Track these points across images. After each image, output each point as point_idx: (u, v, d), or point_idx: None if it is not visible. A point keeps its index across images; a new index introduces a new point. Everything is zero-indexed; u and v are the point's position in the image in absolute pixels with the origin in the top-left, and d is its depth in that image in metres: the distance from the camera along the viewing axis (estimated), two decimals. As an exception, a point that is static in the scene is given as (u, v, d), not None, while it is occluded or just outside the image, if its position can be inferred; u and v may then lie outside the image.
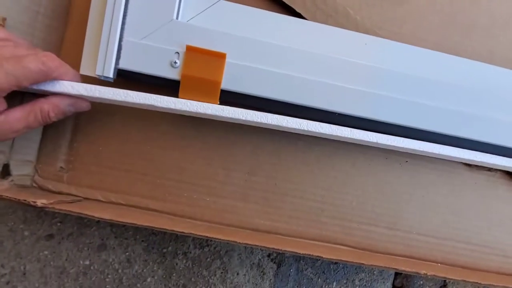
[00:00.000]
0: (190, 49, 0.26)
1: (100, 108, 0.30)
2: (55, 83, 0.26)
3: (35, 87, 0.26)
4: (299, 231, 0.33)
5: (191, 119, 0.32)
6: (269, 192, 0.33)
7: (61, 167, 0.31)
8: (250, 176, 0.33)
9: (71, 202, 0.28)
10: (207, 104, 0.27)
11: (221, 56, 0.27)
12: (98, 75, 0.26)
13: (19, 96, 0.28)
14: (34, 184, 0.30)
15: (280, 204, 0.33)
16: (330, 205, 0.34)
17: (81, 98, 0.27)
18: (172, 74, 0.27)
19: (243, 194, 0.33)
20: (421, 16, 0.35)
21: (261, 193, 0.33)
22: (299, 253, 0.28)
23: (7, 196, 0.24)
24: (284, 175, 0.33)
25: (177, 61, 0.26)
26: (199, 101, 0.27)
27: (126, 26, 0.26)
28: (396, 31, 0.35)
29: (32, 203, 0.23)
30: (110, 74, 0.26)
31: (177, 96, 0.28)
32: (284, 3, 0.32)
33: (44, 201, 0.24)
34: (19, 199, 0.24)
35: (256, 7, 0.31)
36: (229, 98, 0.28)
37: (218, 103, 0.28)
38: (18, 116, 0.25)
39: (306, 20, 0.31)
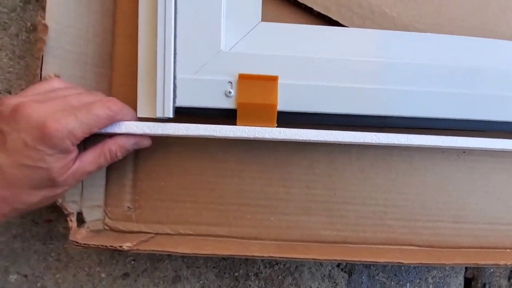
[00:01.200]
0: (242, 77, 0.26)
1: (156, 144, 0.30)
2: (120, 125, 0.26)
3: (103, 131, 0.26)
4: (367, 237, 0.32)
5: (245, 142, 0.31)
6: (330, 202, 0.32)
7: (128, 207, 0.31)
8: (309, 189, 0.32)
9: (147, 241, 0.28)
10: (265, 128, 0.27)
11: (273, 79, 0.26)
12: (158, 117, 0.26)
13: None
14: (106, 227, 0.31)
15: (343, 213, 0.32)
16: (393, 207, 0.33)
17: (143, 136, 0.28)
18: (228, 103, 0.27)
19: (305, 208, 0.32)
20: (457, 3, 0.34)
21: (322, 205, 0.32)
22: (379, 262, 0.27)
23: (93, 244, 0.25)
24: (342, 184, 0.32)
25: (231, 90, 0.26)
26: (256, 126, 0.27)
27: (177, 64, 0.26)
28: (434, 23, 0.34)
29: (119, 248, 0.24)
30: (171, 114, 0.26)
31: (234, 124, 0.28)
32: (320, 13, 0.31)
33: (128, 244, 0.24)
34: (105, 246, 0.25)
35: (294, 23, 0.30)
36: (286, 118, 0.28)
37: (276, 125, 0.27)
38: (91, 159, 0.26)
39: (345, 27, 0.30)
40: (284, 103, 0.27)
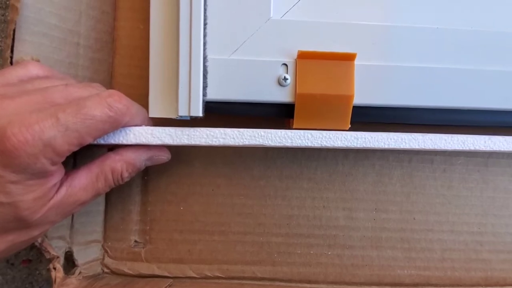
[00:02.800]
0: (303, 56, 0.18)
1: (173, 155, 0.21)
2: (127, 131, 0.18)
3: (102, 141, 0.18)
4: (457, 277, 0.24)
5: (291, 153, 0.23)
6: (407, 230, 0.24)
7: (135, 241, 0.23)
8: (378, 213, 0.24)
9: None
10: (336, 133, 0.18)
11: (349, 58, 0.18)
12: (180, 116, 0.18)
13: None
14: (106, 270, 0.22)
15: (424, 245, 0.24)
16: (491, 235, 0.25)
17: (161, 148, 0.19)
18: (282, 95, 0.18)
19: (374, 238, 0.24)
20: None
21: (397, 234, 0.24)
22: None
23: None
24: (422, 205, 0.24)
25: (286, 76, 0.18)
26: (322, 128, 0.19)
27: (208, 40, 0.18)
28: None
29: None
30: (200, 111, 0.17)
31: (286, 125, 0.20)
32: None
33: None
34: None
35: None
36: (360, 116, 0.20)
37: (349, 126, 0.19)
38: (85, 184, 0.17)
39: None
40: (360, 94, 0.18)
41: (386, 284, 0.24)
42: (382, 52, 0.18)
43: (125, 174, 0.19)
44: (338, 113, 0.18)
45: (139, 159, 0.19)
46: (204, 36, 0.18)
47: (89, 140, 0.16)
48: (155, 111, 0.19)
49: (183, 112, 0.17)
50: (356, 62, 0.18)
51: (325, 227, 0.24)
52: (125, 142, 0.18)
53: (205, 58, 0.18)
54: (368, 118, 0.19)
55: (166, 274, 0.23)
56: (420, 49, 0.19)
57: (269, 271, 0.23)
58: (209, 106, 0.19)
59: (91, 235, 0.22)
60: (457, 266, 0.24)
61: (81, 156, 0.22)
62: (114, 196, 0.23)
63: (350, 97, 0.18)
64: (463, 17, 0.19)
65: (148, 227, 0.23)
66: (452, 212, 0.24)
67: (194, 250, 0.23)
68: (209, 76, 0.18)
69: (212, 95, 0.18)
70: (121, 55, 0.23)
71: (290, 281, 0.23)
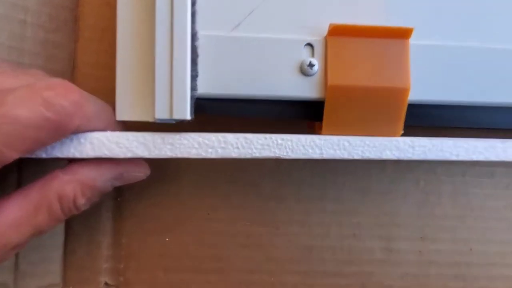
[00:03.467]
0: (336, 32, 0.12)
1: (155, 172, 0.16)
2: (82, 141, 0.12)
3: (44, 155, 0.13)
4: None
5: (310, 165, 0.18)
6: (462, 265, 0.19)
7: (106, 283, 0.18)
8: (425, 243, 0.19)
9: None
10: (384, 140, 0.13)
11: (402, 35, 0.13)
12: (160, 120, 0.12)
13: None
14: (67, 324, 0.18)
15: (484, 284, 0.19)
16: None
17: (135, 161, 0.14)
18: (306, 89, 0.12)
19: (419, 276, 0.18)
20: None
21: (449, 270, 0.19)
22: None
23: None
24: (481, 232, 0.19)
25: (313, 61, 0.13)
26: (362, 135, 0.14)
27: (198, 11, 0.12)
28: None
29: None
30: (187, 112, 0.11)
31: (310, 130, 0.14)
32: None
33: None
34: None
35: None
36: (416, 118, 0.14)
37: (402, 132, 0.14)
38: (16, 217, 0.12)
39: None
40: (417, 87, 0.13)
41: None
42: (449, 26, 0.13)
43: (81, 201, 0.13)
44: (387, 114, 0.13)
45: (102, 178, 0.13)
46: (193, 4, 0.13)
47: (12, 155, 0.11)
48: (124, 112, 0.13)
49: (161, 114, 0.11)
50: (413, 41, 0.13)
51: (357, 262, 0.19)
52: (78, 155, 0.12)
53: (194, 35, 0.12)
54: (428, 120, 0.14)
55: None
56: (507, 24, 0.13)
57: (282, 321, 0.18)
58: (200, 104, 0.13)
59: (44, 278, 0.17)
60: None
61: (28, 173, 0.17)
62: (76, 223, 0.17)
63: (405, 91, 0.13)
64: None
65: (122, 265, 0.18)
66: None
67: None
68: (200, 61, 0.13)
69: (205, 89, 0.13)
70: (86, 38, 0.18)
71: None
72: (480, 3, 0.13)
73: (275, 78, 0.12)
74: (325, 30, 0.13)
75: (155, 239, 0.18)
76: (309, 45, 0.13)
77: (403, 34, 0.12)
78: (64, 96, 0.11)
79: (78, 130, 0.12)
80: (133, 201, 0.18)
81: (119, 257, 0.18)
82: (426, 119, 0.13)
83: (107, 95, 0.16)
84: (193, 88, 0.12)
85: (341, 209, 0.19)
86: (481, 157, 0.13)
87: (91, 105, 0.12)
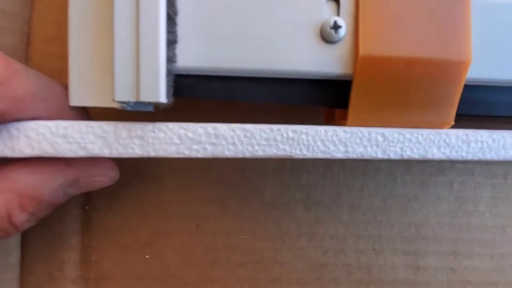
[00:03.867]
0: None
1: (132, 169, 0.13)
2: (14, 132, 0.08)
3: None
4: None
5: (320, 165, 0.14)
6: (501, 284, 0.16)
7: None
8: (458, 259, 0.15)
9: None
10: (430, 132, 0.09)
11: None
12: (121, 103, 0.08)
13: None
14: None
15: None
16: None
17: (96, 161, 0.10)
18: (328, 60, 0.09)
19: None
20: None
21: None
22: None
23: None
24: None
25: (338, 21, 0.10)
26: (399, 125, 0.11)
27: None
28: None
29: None
30: (161, 94, 0.08)
31: (330, 119, 0.11)
32: None
33: None
34: None
35: None
36: (471, 104, 0.11)
37: (453, 123, 0.11)
38: None
39: None
40: (481, 61, 0.09)
41: None
42: None
43: (20, 217, 0.09)
44: (437, 97, 0.10)
45: (48, 186, 0.09)
46: None
47: None
48: (79, 96, 0.09)
49: (123, 95, 0.08)
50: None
51: (377, 283, 0.16)
52: (9, 154, 0.09)
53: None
54: (489, 108, 0.10)
55: None
56: None
57: None
58: (182, 83, 0.10)
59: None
60: None
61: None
62: (35, 237, 0.14)
63: (463, 64, 0.09)
64: None
65: (93, 286, 0.15)
66: None
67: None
68: (181, 20, 0.09)
69: (188, 62, 0.09)
70: (46, 6, 0.15)
71: None
72: None
73: (285, 46, 0.09)
74: (354, -19, 0.09)
75: (132, 256, 0.14)
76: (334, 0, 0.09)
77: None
78: None
79: (5, 117, 0.08)
80: (105, 210, 0.15)
81: (88, 279, 0.14)
82: (486, 106, 0.10)
83: (67, 74, 0.13)
84: (170, 58, 0.09)
85: (358, 219, 0.15)
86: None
87: (27, 82, 0.09)
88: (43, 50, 0.14)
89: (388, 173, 0.15)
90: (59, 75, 0.14)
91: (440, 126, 0.10)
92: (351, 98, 0.09)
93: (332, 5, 0.09)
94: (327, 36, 0.09)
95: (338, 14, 0.09)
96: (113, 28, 0.08)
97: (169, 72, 0.08)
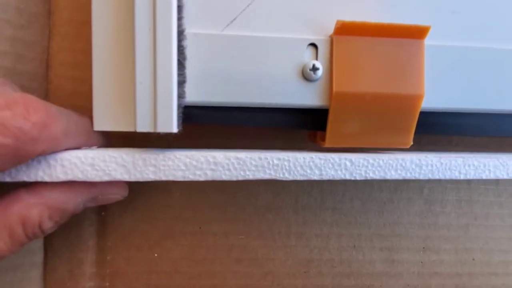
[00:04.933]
0: (345, 30, 0.10)
1: (139, 185, 0.14)
2: (51, 162, 0.10)
3: (8, 178, 0.11)
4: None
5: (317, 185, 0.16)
6: (464, 276, 0.18)
7: (89, 304, 0.17)
8: (427, 254, 0.17)
9: None
10: (389, 158, 0.11)
11: (417, 34, 0.11)
12: (141, 131, 0.10)
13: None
14: None
15: None
16: None
17: (111, 183, 0.12)
18: (308, 95, 0.11)
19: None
20: None
21: (451, 281, 0.18)
22: None
23: None
24: (484, 242, 0.17)
25: (316, 64, 0.12)
26: (370, 147, 0.13)
27: (185, 5, 0.11)
28: None
29: None
30: (173, 125, 0.10)
31: (312, 140, 0.13)
32: None
33: None
34: None
35: None
36: (427, 127, 0.13)
37: (411, 143, 0.13)
38: None
39: None
40: (432, 93, 0.11)
41: None
42: (467, 26, 0.12)
43: (47, 225, 0.11)
44: (397, 123, 0.11)
45: (73, 201, 0.11)
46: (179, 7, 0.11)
47: None
48: (102, 122, 0.11)
49: (144, 126, 0.10)
50: (428, 41, 0.12)
51: (357, 275, 0.17)
52: (48, 179, 0.10)
53: (180, 33, 0.11)
54: (439, 129, 0.12)
55: None
56: None
57: None
58: (189, 112, 0.11)
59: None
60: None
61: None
62: (57, 239, 0.15)
63: (418, 98, 0.11)
64: None
65: (107, 284, 0.16)
66: None
67: None
68: (188, 64, 0.11)
69: (194, 97, 0.11)
70: (62, 35, 0.16)
71: None
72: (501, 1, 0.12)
73: (273, 83, 0.11)
74: (331, 28, 0.11)
75: (142, 255, 0.16)
76: (313, 45, 0.11)
77: (418, 33, 0.11)
78: (25, 116, 0.09)
79: (45, 153, 0.10)
80: (118, 215, 0.16)
81: (104, 276, 0.16)
82: (438, 128, 0.12)
83: (87, 98, 0.14)
84: (181, 95, 0.10)
85: (340, 220, 0.17)
86: (491, 176, 0.12)
87: (61, 123, 0.10)
88: (61, 74, 0.16)
89: (367, 181, 0.17)
90: (75, 95, 0.16)
91: (401, 145, 0.12)
92: (328, 123, 0.11)
93: (312, 50, 0.11)
94: (307, 75, 0.11)
95: (316, 58, 0.11)
96: (135, 73, 0.10)
97: (179, 107, 0.10)
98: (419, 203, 0.18)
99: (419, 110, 0.11)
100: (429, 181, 0.17)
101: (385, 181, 0.17)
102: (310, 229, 0.17)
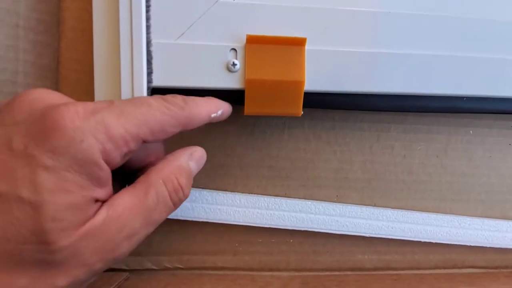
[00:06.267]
0: (252, 40, 0.17)
1: None
2: None
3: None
4: (416, 260, 0.25)
5: (250, 142, 0.23)
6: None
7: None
8: (340, 200, 0.25)
9: (119, 285, 0.20)
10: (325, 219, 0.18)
11: (299, 43, 0.18)
12: None
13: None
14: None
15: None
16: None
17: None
18: (231, 81, 0.18)
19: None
20: None
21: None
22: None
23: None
24: (383, 192, 0.25)
25: (235, 61, 0.18)
26: (274, 113, 0.19)
27: (152, 23, 0.17)
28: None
29: None
30: None
31: (239, 111, 0.19)
32: None
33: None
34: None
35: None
36: (314, 103, 0.20)
37: (302, 113, 0.19)
38: (130, 201, 0.13)
39: None
40: (312, 80, 0.18)
41: (347, 269, 0.25)
42: (334, 37, 0.18)
43: (183, 182, 0.15)
44: (289, 99, 0.18)
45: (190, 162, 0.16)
46: (148, 19, 0.17)
47: (147, 135, 0.13)
48: (100, 99, 0.18)
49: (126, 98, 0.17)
50: (308, 47, 0.18)
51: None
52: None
53: (148, 42, 0.17)
54: (322, 105, 0.19)
55: (123, 267, 0.23)
56: (372, 34, 0.18)
57: (230, 261, 0.24)
58: (155, 93, 0.18)
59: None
60: (417, 250, 0.25)
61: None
62: None
63: (301, 83, 0.18)
64: (416, 2, 0.19)
65: None
66: (412, 197, 0.25)
67: (152, 241, 0.23)
68: (154, 61, 0.17)
69: (158, 82, 0.17)
70: (68, 39, 0.22)
71: (251, 269, 0.24)
72: (355, 19, 0.18)
73: (209, 73, 0.17)
74: (245, 39, 0.18)
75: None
76: (234, 49, 0.17)
77: (299, 42, 0.17)
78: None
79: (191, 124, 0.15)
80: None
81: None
82: (321, 104, 0.18)
83: (86, 85, 0.21)
84: (149, 81, 0.17)
85: (274, 174, 0.24)
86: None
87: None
88: (70, 67, 0.22)
89: (295, 144, 0.24)
90: (80, 84, 0.22)
91: (295, 115, 0.18)
92: (245, 100, 0.18)
93: (233, 52, 0.17)
94: (230, 68, 0.17)
95: (236, 58, 0.17)
96: (120, 68, 0.16)
97: (148, 88, 0.17)
98: (334, 163, 0.24)
99: (303, 91, 0.18)
100: (340, 145, 0.24)
101: (308, 144, 0.24)
102: (252, 182, 0.24)
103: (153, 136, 0.13)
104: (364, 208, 0.23)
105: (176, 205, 0.15)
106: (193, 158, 0.16)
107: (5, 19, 0.20)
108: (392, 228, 0.22)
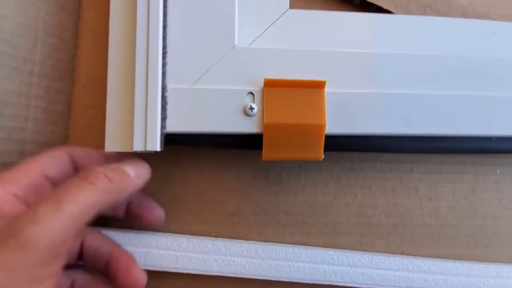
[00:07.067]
0: (270, 84, 0.17)
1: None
2: None
3: None
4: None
5: (264, 186, 0.22)
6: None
7: None
8: (364, 248, 0.23)
9: None
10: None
11: (318, 86, 0.18)
12: (136, 151, 0.17)
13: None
14: None
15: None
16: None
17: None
18: (248, 126, 0.17)
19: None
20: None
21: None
22: None
23: None
24: (410, 237, 0.23)
25: (253, 105, 0.18)
26: (293, 159, 0.18)
27: (167, 69, 0.18)
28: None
29: None
30: (157, 145, 0.16)
31: (257, 155, 0.19)
32: (364, 2, 0.24)
33: None
34: None
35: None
36: (334, 146, 0.19)
37: (323, 157, 0.19)
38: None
39: (407, 15, 0.23)
40: (331, 123, 0.18)
41: None
42: (353, 79, 0.18)
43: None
44: (310, 143, 0.17)
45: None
46: (164, 65, 0.17)
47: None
48: (111, 145, 0.18)
49: (138, 146, 0.16)
50: (327, 89, 0.18)
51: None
52: None
53: (164, 88, 0.17)
54: (343, 147, 0.18)
55: None
56: (391, 75, 0.18)
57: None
58: (170, 138, 0.18)
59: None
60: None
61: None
62: None
63: (322, 126, 0.17)
64: (431, 44, 0.19)
65: None
66: (442, 243, 0.24)
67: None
68: (169, 107, 0.17)
69: (173, 127, 0.17)
70: (82, 85, 0.23)
71: None
72: (373, 61, 0.18)
73: (225, 118, 0.17)
74: (262, 83, 0.18)
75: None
76: (251, 93, 0.17)
77: (319, 85, 0.17)
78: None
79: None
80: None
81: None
82: (342, 147, 0.18)
83: (97, 130, 0.21)
84: (163, 126, 0.17)
85: (292, 221, 0.23)
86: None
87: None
88: (82, 113, 0.22)
89: (312, 188, 0.23)
90: (90, 128, 0.22)
91: (315, 159, 0.17)
92: (263, 145, 0.17)
93: (250, 96, 0.17)
94: (247, 112, 0.17)
95: (253, 101, 0.17)
96: (135, 112, 0.16)
97: (161, 134, 0.16)
98: (355, 207, 0.23)
99: (324, 135, 0.17)
100: (362, 188, 0.23)
101: (326, 188, 0.23)
102: (268, 229, 0.22)
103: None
104: (392, 258, 0.21)
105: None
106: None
107: (20, 67, 0.20)
108: (424, 280, 0.21)
